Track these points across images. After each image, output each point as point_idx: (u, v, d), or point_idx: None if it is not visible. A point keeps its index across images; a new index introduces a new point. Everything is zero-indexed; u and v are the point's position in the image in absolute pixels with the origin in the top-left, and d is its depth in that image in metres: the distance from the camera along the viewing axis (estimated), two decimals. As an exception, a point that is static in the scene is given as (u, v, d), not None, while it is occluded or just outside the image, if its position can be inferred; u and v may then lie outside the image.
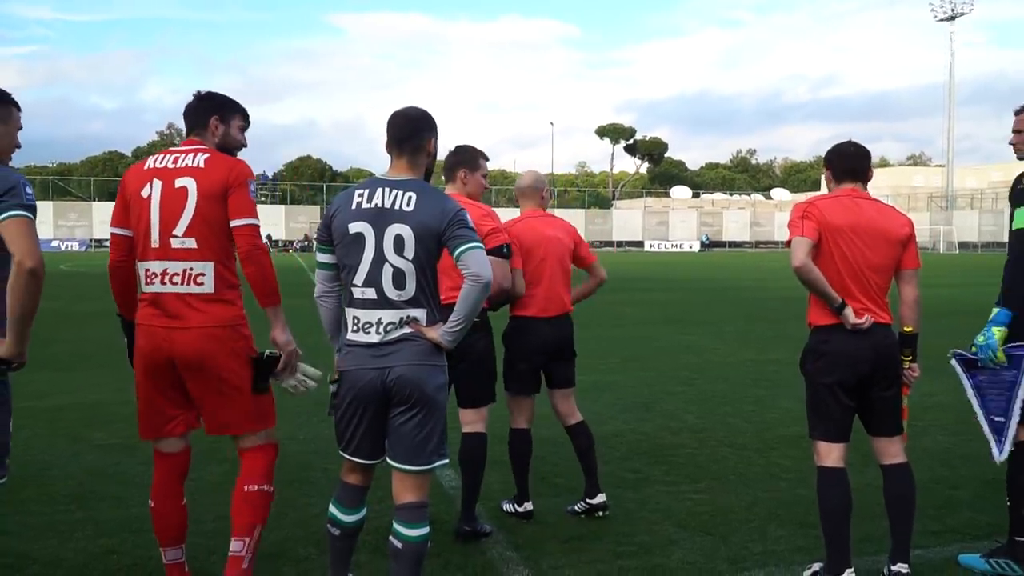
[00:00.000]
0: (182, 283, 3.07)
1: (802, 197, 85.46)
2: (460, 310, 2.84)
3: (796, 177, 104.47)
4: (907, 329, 3.49)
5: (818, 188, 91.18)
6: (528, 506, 4.36)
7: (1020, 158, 3.47)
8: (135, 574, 3.68)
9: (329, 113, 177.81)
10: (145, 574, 3.68)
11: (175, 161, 3.15)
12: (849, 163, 3.48)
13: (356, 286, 2.89)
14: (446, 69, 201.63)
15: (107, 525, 4.26)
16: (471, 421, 4.09)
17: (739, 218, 73.73)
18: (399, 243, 2.83)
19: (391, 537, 2.96)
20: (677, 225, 73.03)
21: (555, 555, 3.88)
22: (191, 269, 3.06)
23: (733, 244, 72.05)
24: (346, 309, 2.96)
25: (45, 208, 59.61)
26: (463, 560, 3.81)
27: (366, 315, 2.89)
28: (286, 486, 4.89)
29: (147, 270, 3.14)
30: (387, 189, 2.90)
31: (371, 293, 2.88)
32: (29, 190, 2.82)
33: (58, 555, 3.87)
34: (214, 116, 3.28)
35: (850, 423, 3.42)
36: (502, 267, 3.78)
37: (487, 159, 4.11)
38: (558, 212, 76.35)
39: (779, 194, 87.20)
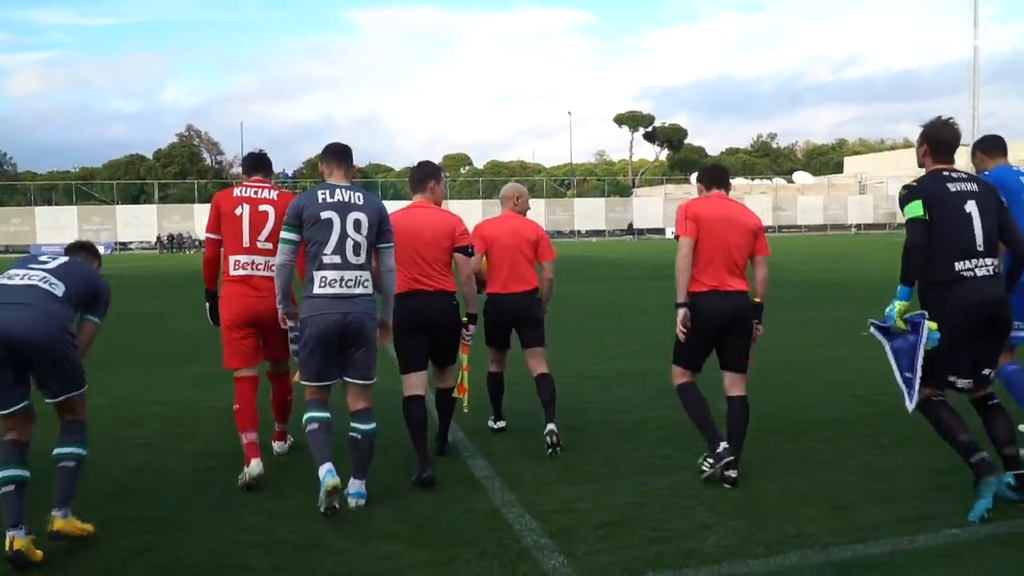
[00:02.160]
0: (264, 269, 4.98)
1: (825, 180, 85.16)
2: (389, 302, 4.54)
3: (818, 160, 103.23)
4: (756, 300, 4.82)
5: (841, 170, 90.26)
6: (501, 423, 6.03)
7: None
8: (174, 570, 3.74)
9: (346, 109, 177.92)
10: (185, 569, 3.75)
11: (256, 193, 5.12)
12: (716, 178, 4.98)
13: (325, 255, 4.31)
14: (461, 61, 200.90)
15: (145, 522, 4.33)
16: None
17: (761, 203, 73.10)
18: (357, 224, 4.37)
19: (351, 433, 4.52)
20: (698, 212, 72.54)
21: (589, 541, 3.90)
22: (270, 261, 4.92)
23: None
24: (314, 272, 4.33)
25: (69, 213, 60.37)
26: (498, 548, 3.84)
27: (334, 275, 4.31)
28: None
29: (236, 262, 5.00)
30: (341, 189, 4.43)
31: (337, 259, 4.32)
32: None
33: (96, 552, 3.94)
34: (266, 168, 5.36)
35: (706, 357, 4.85)
36: (467, 262, 5.16)
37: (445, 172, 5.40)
38: (577, 201, 76.23)
39: (801, 177, 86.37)
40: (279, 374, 5.47)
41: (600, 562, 3.67)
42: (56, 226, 58.25)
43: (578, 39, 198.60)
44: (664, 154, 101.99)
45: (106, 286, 4.32)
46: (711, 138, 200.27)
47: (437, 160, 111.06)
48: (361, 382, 4.48)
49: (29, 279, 4.02)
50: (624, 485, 4.70)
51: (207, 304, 5.31)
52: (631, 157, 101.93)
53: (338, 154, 4.58)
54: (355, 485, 4.49)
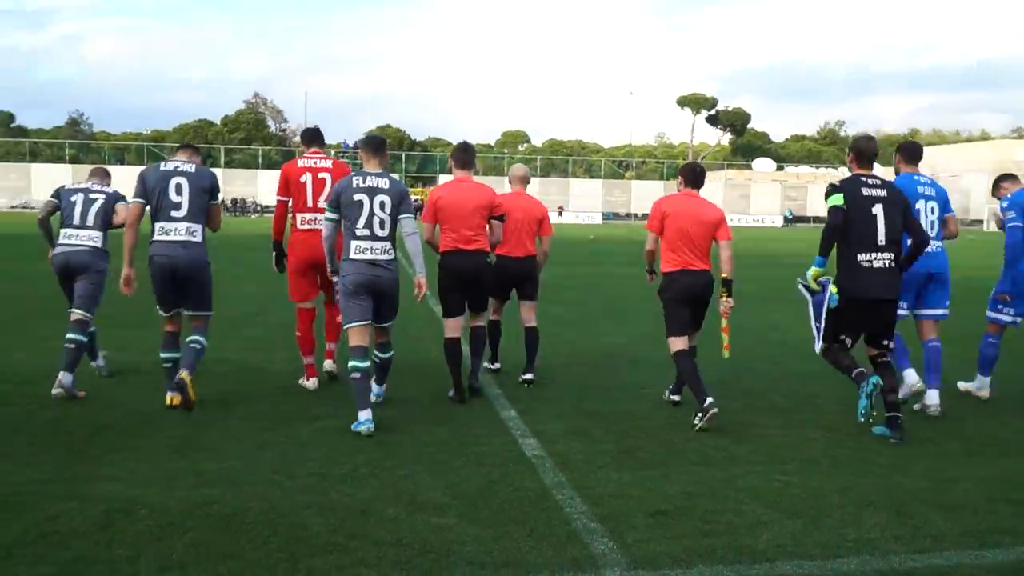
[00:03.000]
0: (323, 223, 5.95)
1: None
2: (417, 260, 5.55)
3: (889, 150, 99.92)
4: (724, 276, 5.90)
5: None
6: (497, 365, 7.29)
7: None
8: (234, 523, 3.82)
9: (407, 82, 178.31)
10: (245, 523, 3.82)
11: (315, 163, 6.58)
12: (694, 178, 6.12)
13: (358, 228, 5.50)
14: (523, 40, 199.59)
15: (207, 476, 4.44)
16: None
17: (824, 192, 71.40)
18: (382, 204, 5.55)
19: (374, 359, 5.83)
20: (759, 198, 71.29)
21: (639, 529, 3.86)
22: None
23: (818, 220, 69.79)
24: (351, 242, 5.50)
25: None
26: (547, 529, 3.83)
27: (366, 244, 5.50)
28: (374, 447, 5.01)
29: (303, 218, 6.48)
30: (372, 176, 5.62)
31: (367, 232, 5.50)
32: None
33: (164, 503, 4.05)
34: (321, 140, 6.84)
35: (688, 322, 5.94)
36: (499, 227, 6.46)
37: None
38: (636, 183, 75.53)
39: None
40: (333, 303, 6.58)
41: (650, 551, 3.63)
42: (127, 186, 59.90)
43: (642, 17, 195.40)
44: (726, 138, 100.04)
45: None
46: (775, 123, 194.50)
47: (496, 137, 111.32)
48: (386, 324, 5.77)
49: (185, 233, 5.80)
50: (678, 474, 4.65)
51: (273, 252, 6.63)
52: (692, 140, 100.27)
53: (373, 146, 5.77)
54: (376, 387, 6.03)
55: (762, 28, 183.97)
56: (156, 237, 5.76)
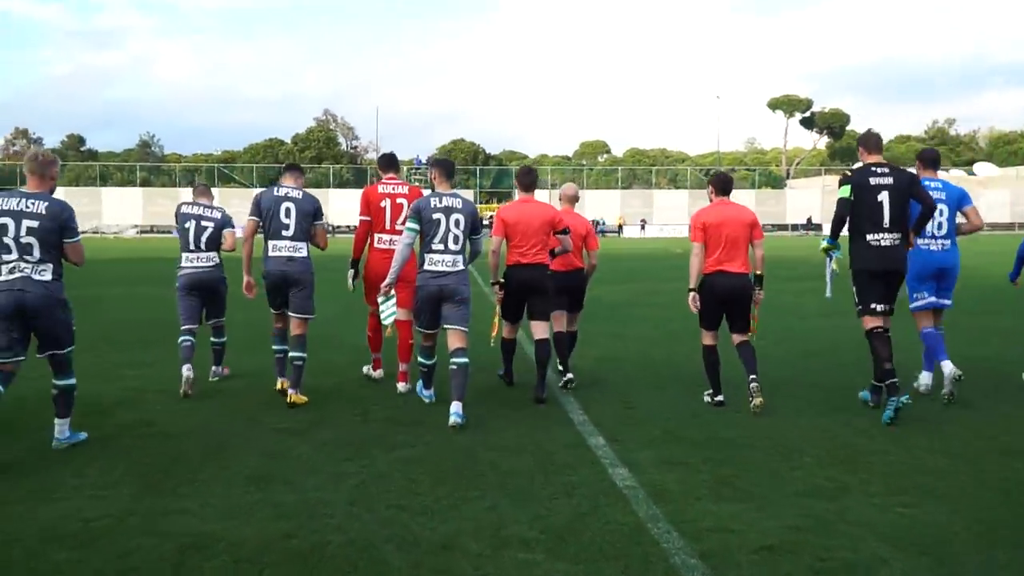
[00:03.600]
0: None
1: (1013, 172, 78.78)
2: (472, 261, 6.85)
3: (1004, 149, 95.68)
4: (757, 272, 7.00)
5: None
6: (569, 375, 7.76)
7: None
8: (313, 558, 3.86)
9: (480, 95, 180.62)
10: (324, 558, 3.85)
11: (393, 189, 7.71)
12: (723, 187, 7.18)
13: (434, 243, 6.51)
14: (603, 44, 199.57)
15: (284, 508, 4.50)
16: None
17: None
18: (457, 222, 6.56)
19: (451, 366, 6.36)
20: (861, 206, 69.24)
21: (744, 567, 3.74)
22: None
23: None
24: (426, 255, 6.53)
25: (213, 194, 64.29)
26: (643, 567, 3.74)
27: (439, 257, 6.51)
28: (455, 477, 5.01)
29: (380, 238, 7.63)
30: (447, 197, 6.65)
31: (442, 247, 6.51)
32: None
33: (240, 536, 4.12)
34: (397, 166, 7.98)
35: (720, 321, 7.01)
36: (568, 239, 7.52)
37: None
38: (725, 193, 74.37)
39: (984, 169, 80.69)
40: (403, 321, 7.47)
41: (758, 590, 3.50)
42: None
43: (731, 14, 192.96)
44: (823, 142, 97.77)
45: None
46: (878, 123, 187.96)
47: (573, 149, 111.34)
48: (460, 328, 6.52)
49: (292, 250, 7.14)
50: (783, 506, 4.49)
51: (351, 270, 7.66)
52: (785, 145, 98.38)
53: (448, 171, 6.92)
54: (455, 407, 6.29)
55: (862, 21, 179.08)
56: (269, 253, 7.16)
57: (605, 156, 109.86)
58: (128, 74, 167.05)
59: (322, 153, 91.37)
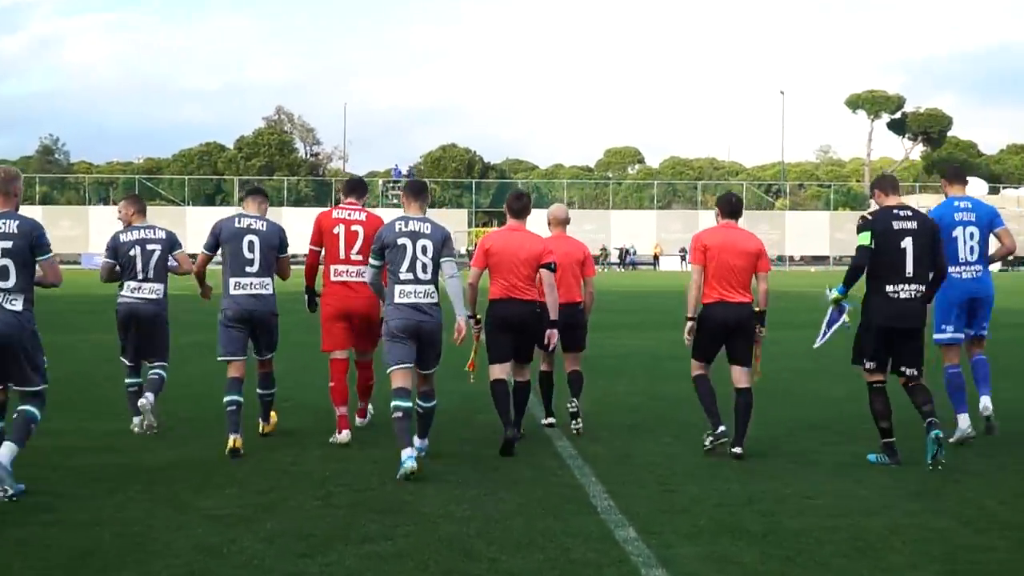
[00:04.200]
0: (356, 276, 8.35)
1: None
2: (458, 303, 7.57)
3: None
4: (758, 308, 7.99)
5: None
6: (551, 420, 9.21)
7: None
8: None
9: (479, 90, 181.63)
10: None
11: (349, 215, 8.61)
12: (731, 209, 8.19)
13: (402, 272, 7.40)
14: (633, 25, 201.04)
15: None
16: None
17: (1060, 222, 69.06)
18: (424, 248, 7.44)
19: (416, 409, 7.58)
20: (966, 232, 69.38)
21: None
22: (360, 269, 8.29)
23: (1052, 260, 67.42)
24: (395, 287, 7.41)
25: (131, 214, 64.48)
26: None
27: (410, 288, 7.40)
28: (444, 579, 5.04)
29: (336, 270, 8.48)
30: (414, 220, 7.55)
31: (410, 276, 7.40)
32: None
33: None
34: (361, 191, 9.10)
35: (716, 354, 8.11)
36: (550, 276, 8.24)
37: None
38: (791, 216, 74.84)
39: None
40: (363, 362, 8.86)
41: None
42: (113, 232, 62.62)
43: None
44: (917, 151, 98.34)
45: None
46: (986, 129, 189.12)
47: (597, 157, 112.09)
48: (428, 371, 7.67)
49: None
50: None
51: (306, 296, 8.93)
52: (869, 155, 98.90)
53: (415, 192, 7.82)
54: (418, 442, 7.63)
55: (967, 3, 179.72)
56: (231, 291, 8.12)
57: (637, 167, 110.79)
58: (27, 63, 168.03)
59: (274, 162, 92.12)
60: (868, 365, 7.64)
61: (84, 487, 6.95)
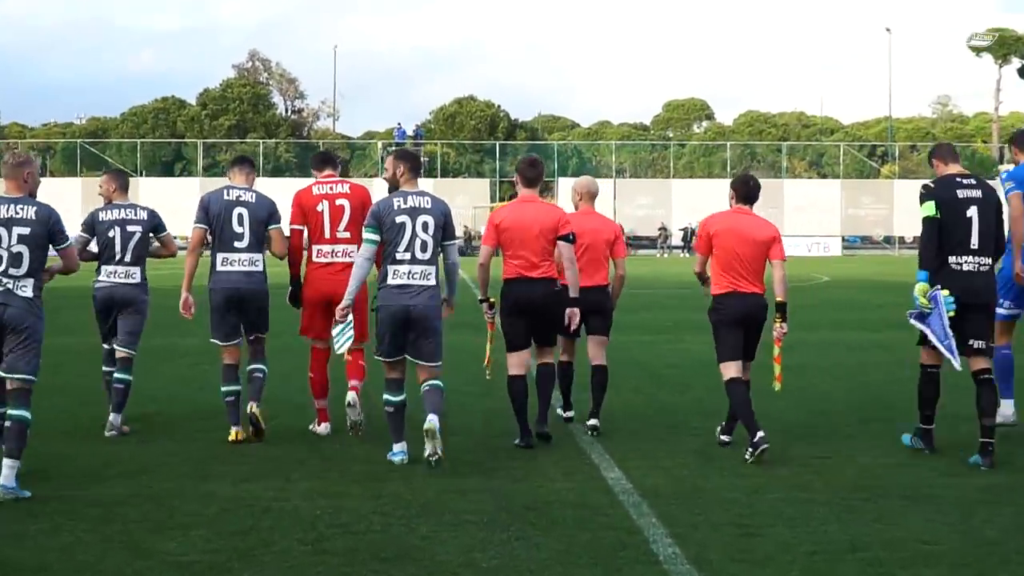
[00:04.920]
0: (343, 256, 9.49)
1: None
2: (453, 281, 8.93)
3: None
4: (778, 299, 8.95)
5: None
6: (571, 413, 10.44)
7: None
8: None
9: (504, 29, 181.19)
10: None
11: (331, 188, 9.76)
12: (747, 192, 9.13)
13: (399, 251, 8.34)
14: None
15: None
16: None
17: None
18: (425, 225, 8.39)
19: (423, 387, 8.51)
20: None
21: None
22: (348, 249, 9.49)
23: None
24: (389, 267, 8.38)
25: (71, 189, 64.58)
26: None
27: (405, 268, 8.36)
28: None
29: (320, 250, 9.63)
30: (413, 196, 8.51)
31: (408, 255, 8.33)
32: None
33: None
34: (334, 164, 10.28)
35: (741, 347, 9.00)
36: (570, 249, 9.22)
37: None
38: (900, 184, 74.00)
39: None
40: (353, 352, 9.45)
41: None
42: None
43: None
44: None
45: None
46: None
47: (654, 113, 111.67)
48: (429, 364, 8.56)
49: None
50: None
51: (290, 287, 9.86)
52: (997, 109, 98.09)
53: (413, 165, 8.83)
54: (432, 419, 8.27)
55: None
56: (219, 268, 9.41)
57: (705, 124, 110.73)
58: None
59: (247, 121, 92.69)
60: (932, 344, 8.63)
61: (20, 523, 7.04)
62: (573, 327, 9.43)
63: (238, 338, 9.66)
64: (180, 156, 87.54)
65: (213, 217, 9.44)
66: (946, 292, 8.48)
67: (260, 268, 9.56)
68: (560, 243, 9.15)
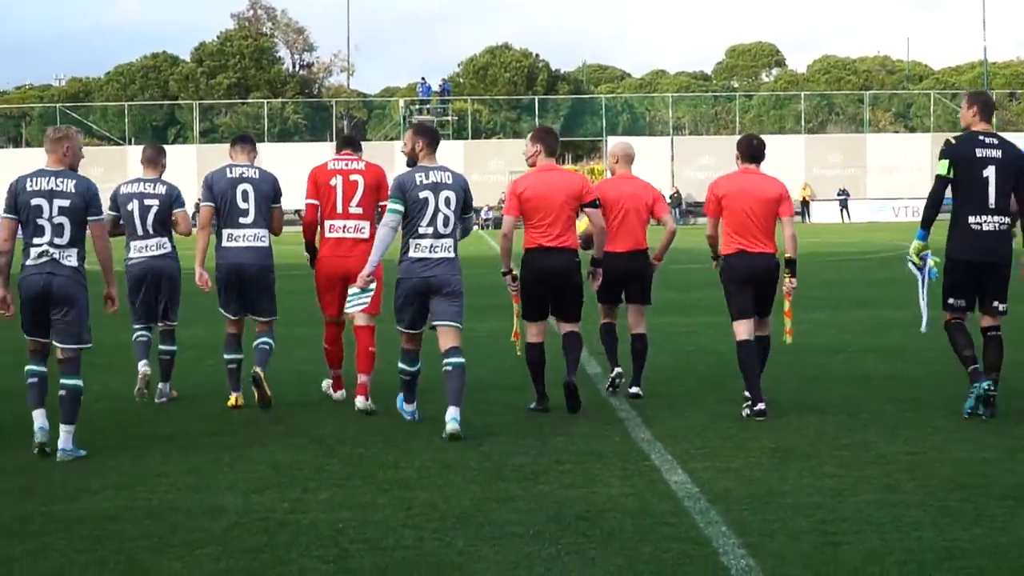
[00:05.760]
0: (354, 232, 11.24)
1: None
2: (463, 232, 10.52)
3: None
4: (788, 255, 10.59)
5: None
6: (618, 369, 11.55)
7: None
8: None
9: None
10: None
11: (347, 164, 11.42)
12: (751, 152, 10.78)
13: (421, 226, 9.80)
14: None
15: None
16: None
17: None
18: (447, 200, 9.87)
19: (445, 367, 9.85)
20: None
21: None
22: (359, 224, 11.26)
23: None
24: (411, 240, 9.85)
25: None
26: None
27: (427, 243, 9.83)
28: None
29: (332, 225, 11.32)
30: (434, 171, 9.95)
31: (430, 230, 9.81)
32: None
33: None
34: (355, 145, 11.88)
35: (751, 306, 10.56)
36: (598, 214, 10.68)
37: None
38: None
39: None
40: (362, 328, 11.07)
41: None
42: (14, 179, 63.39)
43: None
44: None
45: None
46: None
47: (716, 60, 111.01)
48: (451, 323, 9.85)
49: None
50: None
51: (307, 255, 11.64)
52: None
53: (431, 140, 10.07)
54: (451, 412, 9.56)
55: None
56: (224, 243, 11.02)
57: (775, 72, 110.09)
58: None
59: (248, 78, 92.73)
60: (955, 303, 10.05)
61: (2, 543, 7.07)
62: (596, 286, 10.97)
63: (245, 313, 11.28)
64: (173, 120, 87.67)
65: (218, 195, 11.02)
66: (933, 262, 10.29)
67: (266, 244, 11.15)
68: (588, 211, 10.56)
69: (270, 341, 11.22)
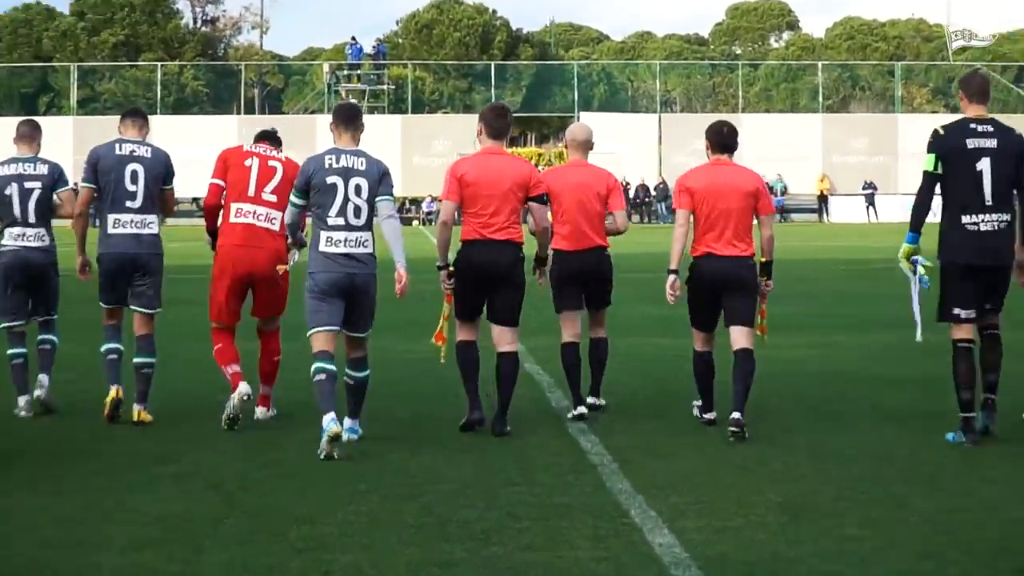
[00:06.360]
0: (265, 220, 11.66)
1: None
2: (397, 247, 10.83)
3: None
4: (763, 259, 11.44)
5: None
6: (582, 410, 11.85)
7: None
8: None
9: None
10: None
11: (265, 151, 12.11)
12: (722, 141, 11.56)
13: (330, 217, 10.55)
14: None
15: None
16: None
17: None
18: (358, 188, 10.60)
19: (346, 378, 10.95)
20: None
21: None
22: (271, 214, 11.68)
23: None
24: (321, 233, 10.55)
25: None
26: None
27: (340, 236, 10.54)
28: None
29: (240, 209, 11.71)
30: (346, 155, 10.69)
31: (340, 221, 10.56)
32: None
33: None
34: (277, 141, 12.53)
35: (715, 321, 11.63)
36: (543, 211, 11.52)
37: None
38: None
39: None
40: (267, 332, 12.00)
41: None
42: None
43: None
44: None
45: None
46: None
47: (713, 21, 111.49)
48: (360, 334, 10.73)
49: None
50: None
51: (209, 240, 11.96)
52: None
53: (346, 118, 10.67)
54: (348, 423, 10.59)
55: None
56: (110, 230, 11.58)
57: (787, 36, 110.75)
58: None
59: (140, 35, 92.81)
60: (962, 314, 10.53)
61: None
62: (541, 283, 11.89)
63: (125, 304, 11.92)
64: (47, 86, 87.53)
65: (103, 174, 11.65)
66: (923, 270, 10.89)
67: (155, 231, 11.86)
68: (533, 205, 11.26)
69: (152, 360, 11.82)
